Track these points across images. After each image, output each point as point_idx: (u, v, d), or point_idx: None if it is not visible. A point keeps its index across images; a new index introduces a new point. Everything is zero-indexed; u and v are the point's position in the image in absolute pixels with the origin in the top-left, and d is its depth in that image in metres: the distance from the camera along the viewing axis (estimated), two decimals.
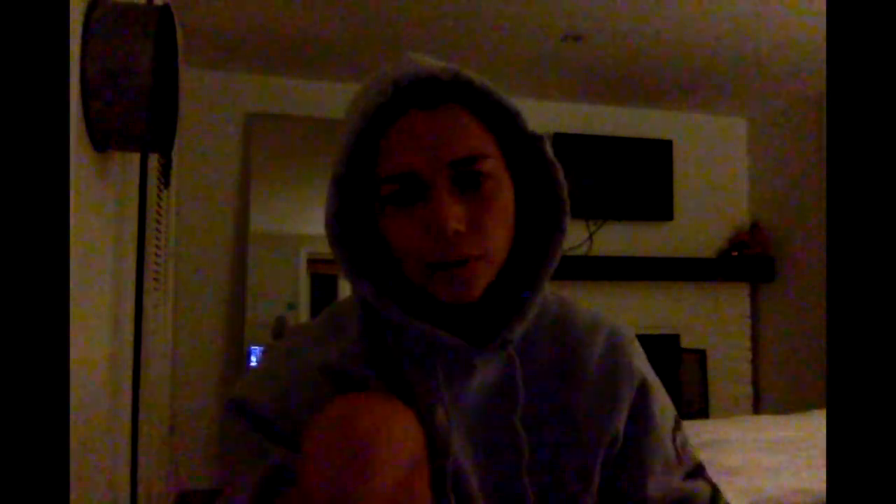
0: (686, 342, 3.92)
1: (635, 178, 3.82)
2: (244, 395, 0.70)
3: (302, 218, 3.53)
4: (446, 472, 0.66)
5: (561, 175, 0.69)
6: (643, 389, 0.75)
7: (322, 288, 3.59)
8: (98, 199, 1.39)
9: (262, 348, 3.35)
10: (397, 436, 0.57)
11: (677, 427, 0.78)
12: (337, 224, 0.67)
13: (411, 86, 0.64)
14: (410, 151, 0.63)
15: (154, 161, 2.10)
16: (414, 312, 0.67)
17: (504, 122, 0.67)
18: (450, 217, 0.62)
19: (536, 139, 0.68)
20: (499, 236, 0.65)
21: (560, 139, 3.63)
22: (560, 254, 0.70)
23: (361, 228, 0.70)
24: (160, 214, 2.33)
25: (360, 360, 0.69)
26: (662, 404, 0.77)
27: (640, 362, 0.76)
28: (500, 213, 0.65)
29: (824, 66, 3.11)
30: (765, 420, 2.39)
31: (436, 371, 0.67)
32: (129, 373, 1.81)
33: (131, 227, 1.79)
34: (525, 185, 0.70)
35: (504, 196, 0.66)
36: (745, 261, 3.90)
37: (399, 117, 0.64)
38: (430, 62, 0.67)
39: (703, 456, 1.86)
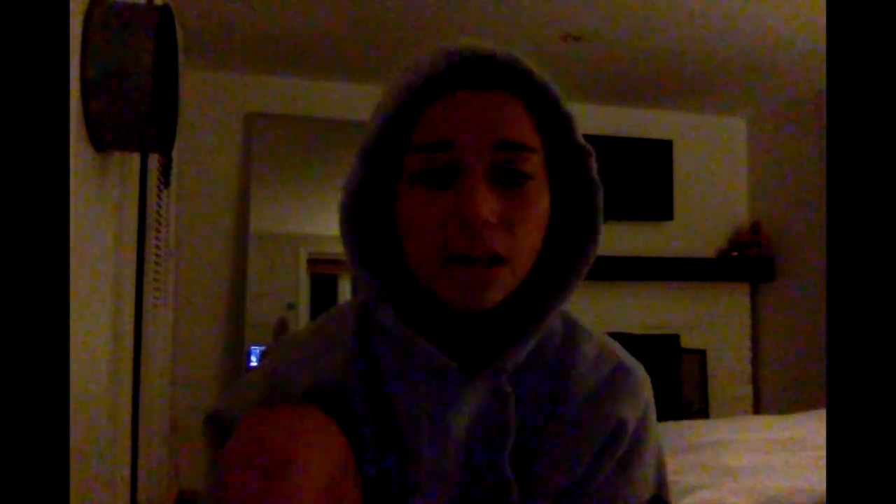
0: (686, 342, 3.92)
1: (635, 178, 3.82)
2: (222, 410, 0.69)
3: (302, 218, 3.54)
4: (412, 499, 0.62)
5: (601, 200, 0.63)
6: (612, 441, 0.64)
7: (322, 288, 3.59)
8: (98, 199, 1.39)
9: (262, 349, 3.35)
10: (313, 447, 0.55)
11: None
12: (353, 205, 0.61)
13: (464, 63, 0.58)
14: (454, 124, 0.57)
15: (154, 161, 2.10)
16: (412, 321, 0.62)
17: (552, 124, 0.61)
18: (482, 204, 0.55)
19: (584, 152, 0.62)
20: (528, 244, 0.59)
21: None
22: (577, 285, 0.63)
23: (373, 217, 0.63)
24: (160, 214, 2.33)
25: (351, 377, 0.65)
26: (630, 471, 0.65)
27: (628, 411, 0.65)
28: (534, 220, 0.59)
29: (824, 65, 3.11)
30: (765, 420, 2.39)
31: (420, 392, 0.62)
32: (129, 373, 1.81)
33: (131, 227, 1.79)
34: (558, 199, 0.63)
35: (542, 203, 0.60)
36: (745, 261, 3.90)
37: (445, 92, 0.58)
38: (489, 45, 0.61)
39: (703, 456, 1.88)
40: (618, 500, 0.64)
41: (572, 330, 0.69)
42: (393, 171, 0.61)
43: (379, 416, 0.64)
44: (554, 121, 0.61)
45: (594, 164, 0.62)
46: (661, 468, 0.70)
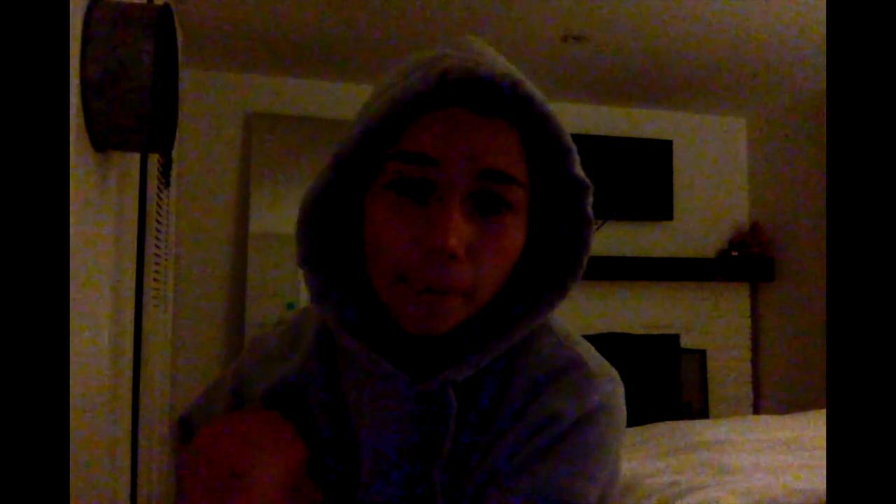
0: (686, 342, 3.92)
1: (635, 178, 3.82)
2: (191, 414, 0.70)
3: None
4: (360, 498, 0.62)
5: (591, 233, 0.60)
6: (537, 431, 0.58)
7: None
8: (98, 199, 1.39)
9: None
10: (268, 452, 0.56)
11: None
12: (314, 209, 0.58)
13: (458, 82, 0.54)
14: (440, 144, 0.54)
15: (154, 161, 2.10)
16: (370, 320, 0.61)
17: (546, 152, 0.58)
18: (453, 234, 0.52)
19: (581, 186, 0.58)
20: (494, 279, 0.57)
21: None
22: (551, 312, 0.60)
23: (336, 219, 0.61)
24: (160, 214, 2.33)
25: (309, 376, 0.65)
26: (548, 464, 0.56)
27: (566, 404, 0.58)
28: (505, 254, 0.57)
29: (824, 66, 3.11)
30: (765, 420, 2.40)
31: (366, 394, 0.61)
32: (129, 373, 1.81)
33: (131, 227, 1.79)
34: (543, 227, 0.61)
35: (516, 236, 0.57)
36: (745, 261, 3.90)
37: (436, 109, 0.55)
38: (490, 58, 0.57)
39: (703, 456, 1.88)
40: (534, 492, 0.56)
41: (541, 327, 0.64)
42: (366, 177, 0.58)
43: (334, 415, 0.64)
44: (549, 149, 0.58)
45: (590, 199, 0.59)
46: (607, 486, 0.59)
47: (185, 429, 0.69)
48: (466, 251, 0.54)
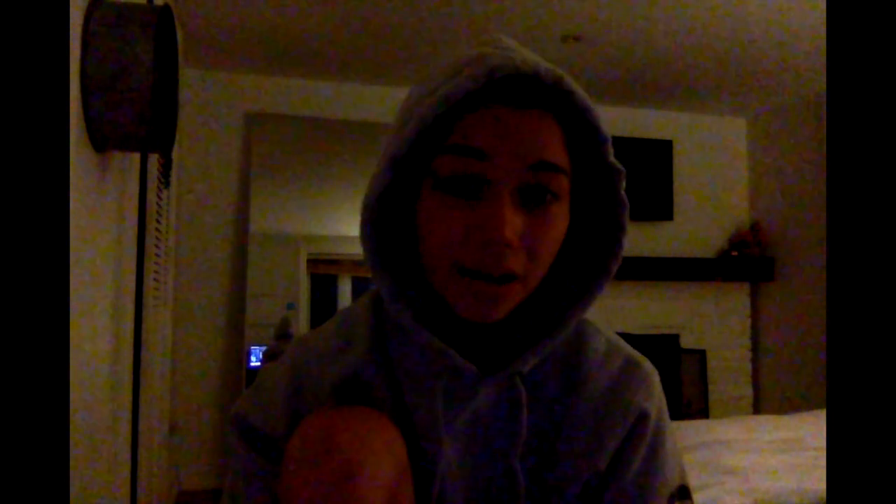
0: (686, 342, 3.92)
1: (635, 178, 3.82)
2: (247, 412, 0.67)
3: (302, 218, 3.54)
4: (432, 497, 0.63)
5: (626, 218, 0.63)
6: (637, 431, 0.66)
7: (322, 288, 3.59)
8: (98, 199, 1.39)
9: (263, 349, 3.35)
10: (379, 451, 0.56)
11: (680, 497, 0.68)
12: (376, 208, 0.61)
13: (505, 78, 0.57)
14: (492, 139, 0.56)
15: (154, 161, 2.10)
16: (427, 319, 0.63)
17: (583, 140, 0.61)
18: (508, 226, 0.55)
19: (615, 172, 0.62)
20: (543, 262, 0.60)
21: None
22: (598, 295, 0.64)
23: (391, 217, 0.64)
24: (160, 214, 2.34)
25: (370, 374, 0.65)
26: (659, 460, 0.66)
27: (647, 402, 0.67)
28: (553, 240, 0.60)
29: (824, 66, 3.11)
30: (765, 420, 2.39)
31: (436, 392, 0.63)
32: (129, 373, 1.81)
33: (131, 227, 1.79)
34: (581, 213, 0.64)
35: (562, 223, 0.60)
36: (745, 261, 3.90)
37: (482, 106, 0.57)
38: (530, 55, 0.60)
39: (703, 456, 1.88)
40: (651, 489, 0.65)
41: (579, 325, 0.70)
42: (415, 174, 0.61)
43: (398, 414, 0.64)
44: (586, 138, 0.61)
45: (623, 184, 0.62)
46: (680, 457, 0.70)
47: (242, 425, 0.67)
48: (520, 240, 0.57)
